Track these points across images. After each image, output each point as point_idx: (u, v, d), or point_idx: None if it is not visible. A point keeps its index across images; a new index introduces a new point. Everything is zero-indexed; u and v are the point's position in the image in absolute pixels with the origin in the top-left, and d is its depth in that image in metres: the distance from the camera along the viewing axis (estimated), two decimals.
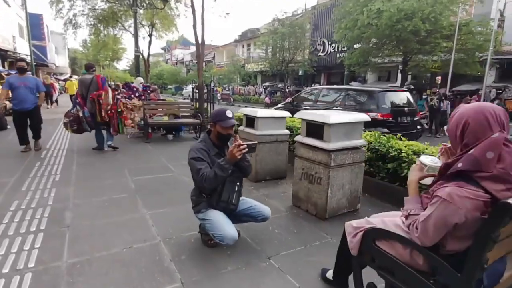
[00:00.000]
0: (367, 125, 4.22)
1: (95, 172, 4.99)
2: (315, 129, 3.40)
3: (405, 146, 3.95)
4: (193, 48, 60.01)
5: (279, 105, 10.48)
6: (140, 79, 10.95)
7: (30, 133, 6.31)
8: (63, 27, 18.54)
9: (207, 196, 2.59)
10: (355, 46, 16.10)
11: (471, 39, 14.00)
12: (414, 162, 2.36)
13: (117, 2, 16.83)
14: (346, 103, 7.45)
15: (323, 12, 25.27)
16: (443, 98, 11.15)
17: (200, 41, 9.06)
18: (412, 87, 16.51)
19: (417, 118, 7.88)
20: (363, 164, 3.62)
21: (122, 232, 3.03)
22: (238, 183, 2.62)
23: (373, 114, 6.45)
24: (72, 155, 6.08)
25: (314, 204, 3.50)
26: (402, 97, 7.68)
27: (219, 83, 35.70)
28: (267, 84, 31.99)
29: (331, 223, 3.36)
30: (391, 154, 3.95)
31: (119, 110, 6.49)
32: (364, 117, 3.58)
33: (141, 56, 17.45)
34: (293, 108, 7.83)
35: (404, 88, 9.27)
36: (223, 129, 2.51)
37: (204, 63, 49.13)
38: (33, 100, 6.00)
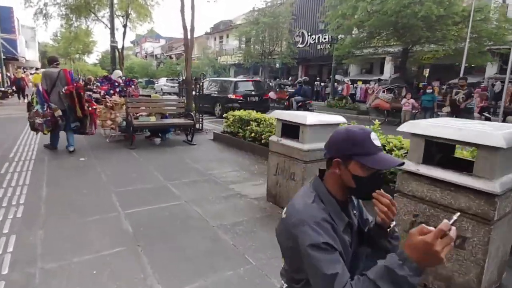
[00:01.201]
0: (228, 101, 10.12)
1: (72, 199, 3.69)
2: None
3: None
4: (162, 42, 58.54)
5: None
6: (119, 72, 9.67)
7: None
8: (33, 17, 16.72)
9: None
10: (342, 36, 15.24)
11: (483, 26, 12.35)
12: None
13: None
14: (219, 89, 12.50)
15: (303, 2, 24.28)
16: (472, 94, 8.73)
17: (189, 27, 7.93)
18: (307, 79, 15.85)
19: (265, 98, 13.02)
20: None
21: None
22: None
23: (231, 95, 11.80)
24: (42, 168, 4.92)
25: None
26: (252, 85, 13.11)
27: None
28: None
29: None
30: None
31: (95, 107, 6.14)
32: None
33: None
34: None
35: (257, 79, 15.22)
36: (367, 171, 1.11)
37: (175, 56, 47.05)
38: None
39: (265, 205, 3.75)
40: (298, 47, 24.49)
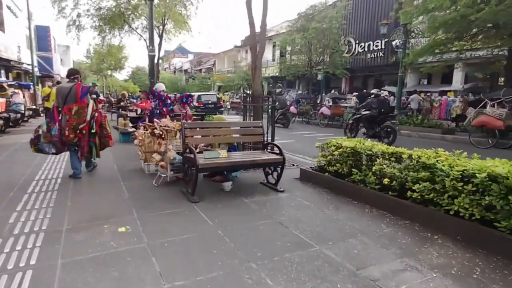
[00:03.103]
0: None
1: None
2: None
3: None
4: (190, 57, 57.66)
5: None
6: (162, 86, 7.54)
7: None
8: (66, 29, 15.26)
9: None
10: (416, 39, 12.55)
11: None
12: None
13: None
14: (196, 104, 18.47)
15: (358, 4, 21.71)
16: None
17: (260, 23, 5.65)
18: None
19: (220, 105, 20.65)
20: None
21: None
22: None
23: (195, 103, 17.75)
24: (54, 262, 2.61)
25: None
26: (210, 96, 21.16)
27: (226, 91, 32.26)
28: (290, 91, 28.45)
29: None
30: None
31: (93, 131, 4.84)
32: None
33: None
34: None
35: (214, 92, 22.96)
36: None
37: (205, 70, 46.07)
38: None
39: None
40: (344, 56, 21.98)
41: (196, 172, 3.86)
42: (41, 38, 29.66)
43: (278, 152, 4.49)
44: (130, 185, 4.59)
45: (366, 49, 21.25)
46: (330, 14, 17.51)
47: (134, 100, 11.09)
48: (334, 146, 4.72)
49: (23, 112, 11.74)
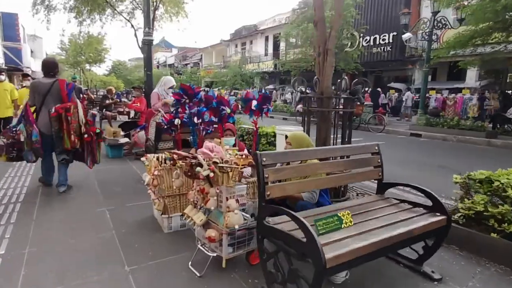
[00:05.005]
0: None
1: None
2: None
3: None
4: (174, 51, 54.24)
5: None
6: (171, 80, 5.20)
7: None
8: (32, 9, 12.15)
9: None
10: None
11: None
12: None
13: None
14: None
15: None
16: None
17: None
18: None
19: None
20: None
21: None
22: None
23: None
24: None
25: None
26: None
27: (218, 87, 29.59)
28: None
29: None
30: None
31: (97, 131, 4.08)
32: None
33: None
34: None
35: None
36: None
37: (193, 64, 42.96)
38: None
39: None
40: (346, 51, 20.04)
41: (318, 276, 1.61)
42: (8, 27, 26.07)
43: (441, 211, 2.28)
44: (141, 274, 2.28)
45: (371, 43, 19.42)
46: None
47: (126, 100, 8.55)
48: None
49: None
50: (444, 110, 14.93)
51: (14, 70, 25.39)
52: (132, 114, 6.71)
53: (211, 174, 2.07)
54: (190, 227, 2.87)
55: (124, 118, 6.96)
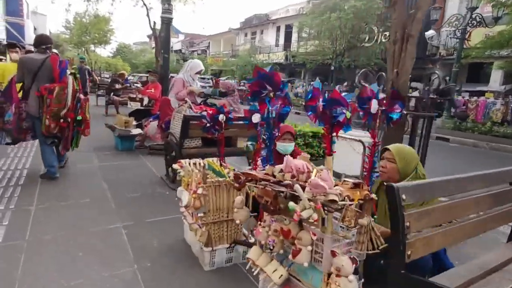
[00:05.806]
0: None
1: None
2: None
3: None
4: (181, 37, 52.76)
5: None
6: (199, 64, 4.36)
7: None
8: None
9: None
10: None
11: None
12: None
13: None
14: None
15: None
16: None
17: None
18: None
19: None
20: None
21: None
22: None
23: None
24: None
25: None
26: None
27: (227, 77, 28.52)
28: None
29: None
30: None
31: (79, 118, 3.67)
32: None
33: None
34: None
35: None
36: None
37: (200, 51, 41.50)
38: None
39: None
40: (363, 45, 19.09)
41: None
42: (10, 1, 24.91)
43: None
44: None
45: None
46: None
47: (138, 85, 7.61)
48: None
49: None
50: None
51: (15, 46, 24.34)
52: (145, 101, 5.85)
53: (315, 216, 1.26)
54: (236, 262, 2.09)
55: (136, 105, 6.11)
